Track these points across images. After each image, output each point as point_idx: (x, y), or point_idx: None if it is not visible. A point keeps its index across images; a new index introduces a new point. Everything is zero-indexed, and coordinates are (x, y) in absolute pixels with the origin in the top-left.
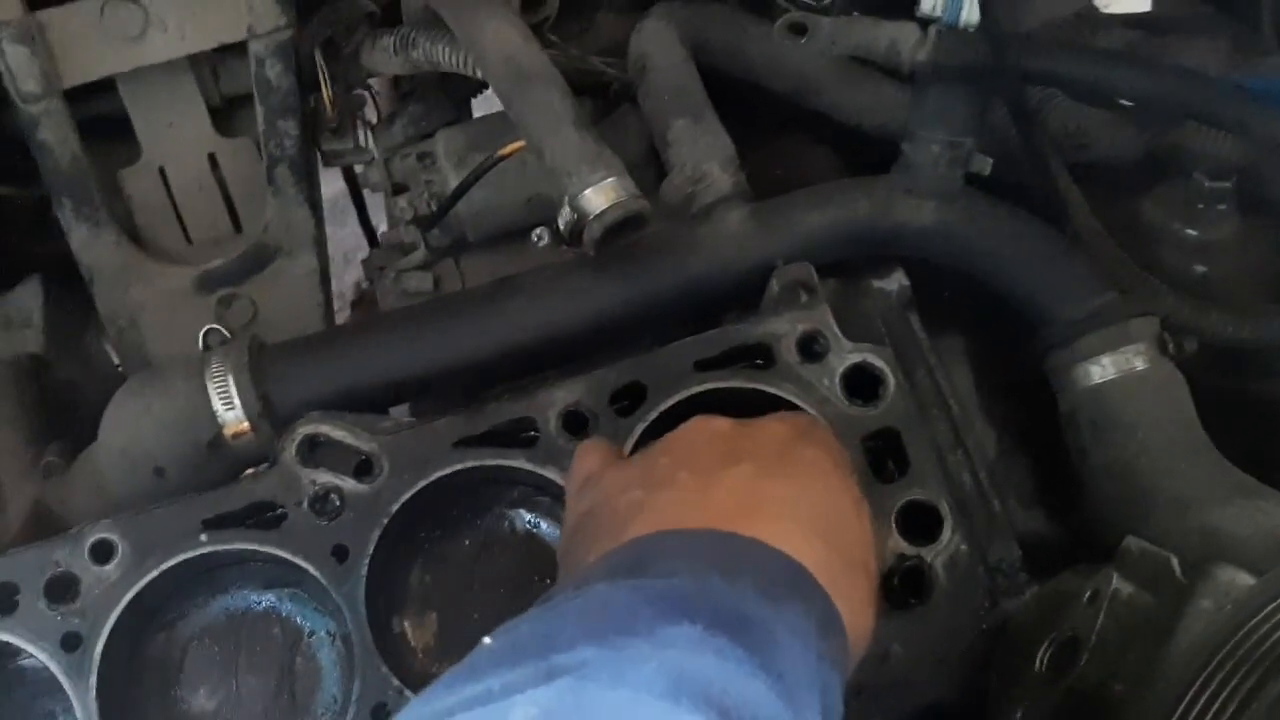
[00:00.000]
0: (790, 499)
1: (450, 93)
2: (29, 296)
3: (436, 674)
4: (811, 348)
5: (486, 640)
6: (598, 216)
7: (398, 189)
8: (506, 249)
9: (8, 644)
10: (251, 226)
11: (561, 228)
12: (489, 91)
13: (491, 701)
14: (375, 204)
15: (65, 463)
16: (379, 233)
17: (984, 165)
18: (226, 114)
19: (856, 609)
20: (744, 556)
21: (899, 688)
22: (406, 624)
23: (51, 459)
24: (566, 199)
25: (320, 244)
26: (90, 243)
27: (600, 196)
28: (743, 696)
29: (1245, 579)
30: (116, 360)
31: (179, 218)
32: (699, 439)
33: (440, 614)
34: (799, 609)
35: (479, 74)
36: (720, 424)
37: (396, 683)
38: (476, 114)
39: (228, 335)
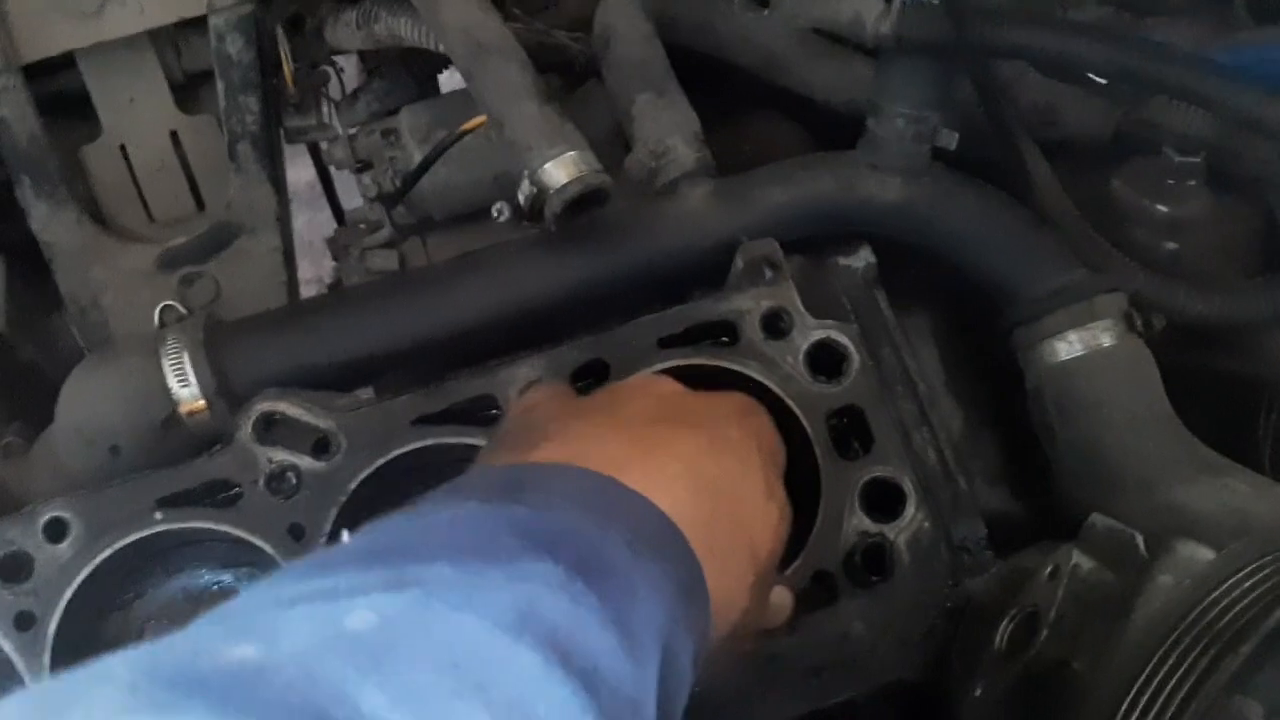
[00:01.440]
0: (693, 460)
1: (414, 69)
2: None
3: None
4: (776, 325)
5: (347, 536)
6: (557, 191)
7: (362, 166)
8: (472, 227)
9: None
10: (214, 205)
11: (521, 202)
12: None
13: (336, 599)
14: (351, 188)
15: (26, 444)
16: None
17: (950, 140)
18: (188, 90)
19: (731, 585)
20: (623, 506)
21: (860, 667)
22: None
23: (11, 439)
24: (526, 173)
25: (284, 222)
26: (50, 222)
27: (560, 170)
28: (587, 645)
29: (1205, 554)
30: (80, 342)
31: (140, 196)
32: (637, 392)
33: None
34: (663, 569)
35: (440, 48)
36: (665, 385)
37: None
38: (444, 91)
39: (184, 312)
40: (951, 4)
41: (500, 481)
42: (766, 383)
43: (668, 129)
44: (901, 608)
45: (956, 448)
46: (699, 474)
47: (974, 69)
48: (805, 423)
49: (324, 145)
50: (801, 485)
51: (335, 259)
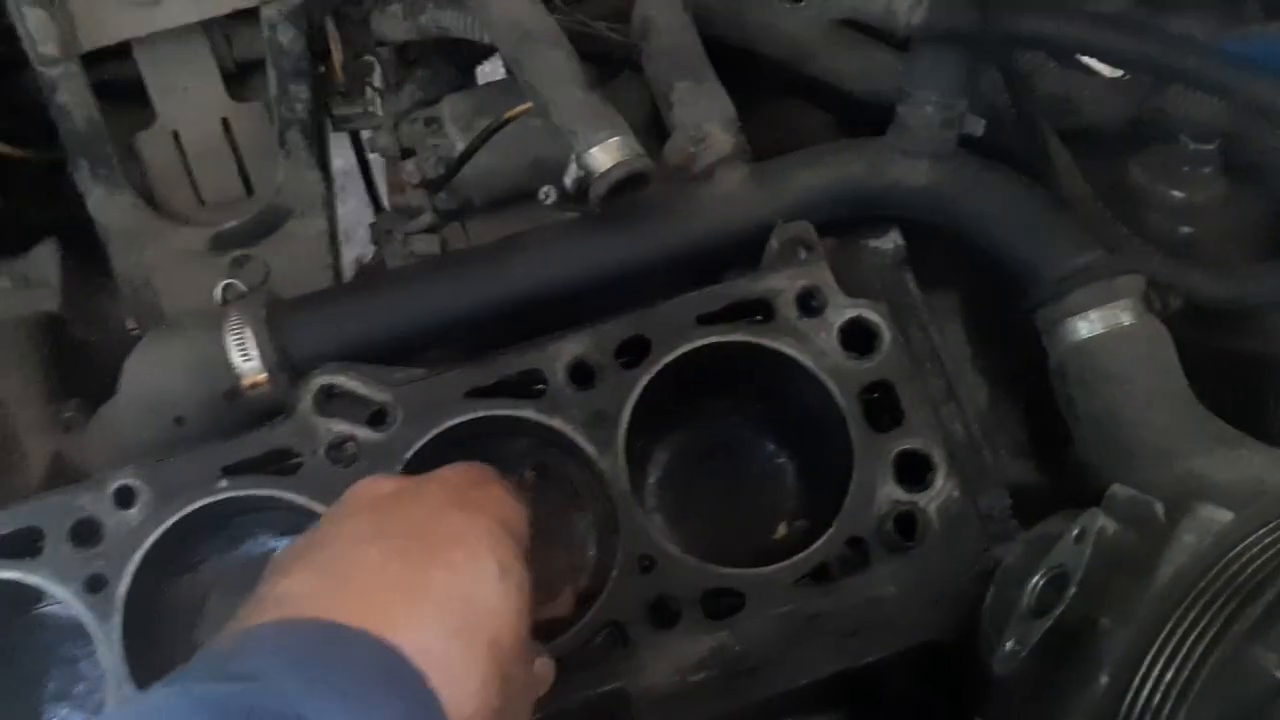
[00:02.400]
0: (414, 583)
1: (455, 60)
2: (46, 257)
3: None
4: (810, 303)
5: None
6: (603, 174)
7: (405, 153)
8: (511, 212)
9: (31, 589)
10: (262, 189)
11: (568, 185)
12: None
13: None
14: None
15: (84, 418)
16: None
17: (977, 126)
18: (239, 79)
19: (474, 690)
20: (341, 653)
21: (894, 628)
22: None
23: (70, 414)
24: (573, 157)
25: (330, 206)
26: (106, 204)
27: (605, 155)
28: None
29: (1224, 515)
30: (130, 323)
31: (192, 180)
32: (349, 511)
33: None
34: (394, 709)
35: (486, 38)
36: (379, 489)
37: None
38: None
39: (245, 290)
40: None
41: (210, 655)
42: (800, 358)
43: (706, 115)
44: (932, 572)
45: (982, 422)
46: (425, 595)
47: (1000, 58)
48: (838, 397)
49: (366, 134)
50: (831, 454)
51: (377, 244)
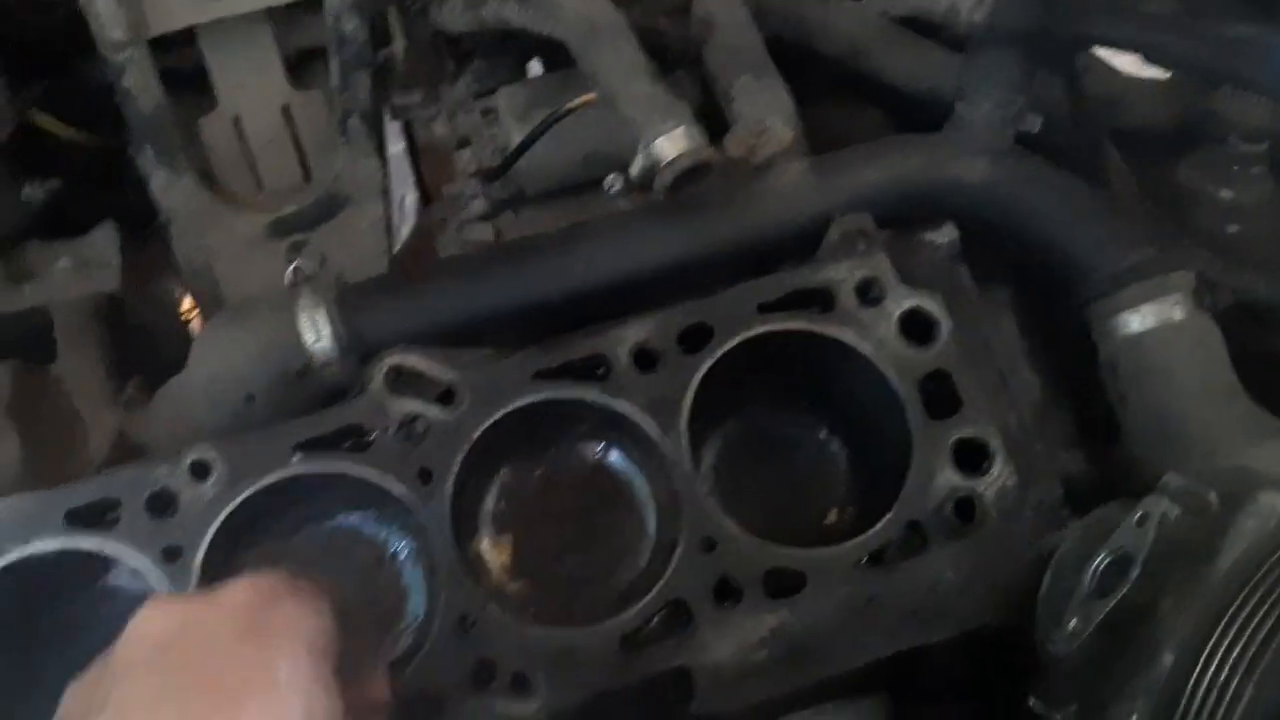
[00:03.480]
0: None
1: (509, 53)
2: (106, 239)
3: (513, 592)
4: (869, 293)
5: None
6: (669, 163)
7: (461, 143)
8: (563, 203)
9: (102, 559)
10: (320, 176)
11: (634, 174)
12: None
13: None
14: None
15: (145, 396)
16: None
17: (1034, 124)
18: (300, 67)
19: None
20: None
21: (950, 611)
22: (484, 545)
23: (132, 392)
24: (641, 146)
25: (386, 194)
26: (169, 187)
27: (672, 144)
28: None
29: None
30: (184, 307)
31: (252, 166)
32: (134, 657)
33: (514, 537)
34: None
35: (549, 31)
36: (156, 628)
37: (479, 595)
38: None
39: (314, 271)
40: None
41: None
42: (860, 347)
43: (766, 109)
44: (989, 557)
45: (1034, 413)
46: None
47: (1059, 57)
48: (897, 386)
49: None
50: (885, 442)
51: (430, 232)
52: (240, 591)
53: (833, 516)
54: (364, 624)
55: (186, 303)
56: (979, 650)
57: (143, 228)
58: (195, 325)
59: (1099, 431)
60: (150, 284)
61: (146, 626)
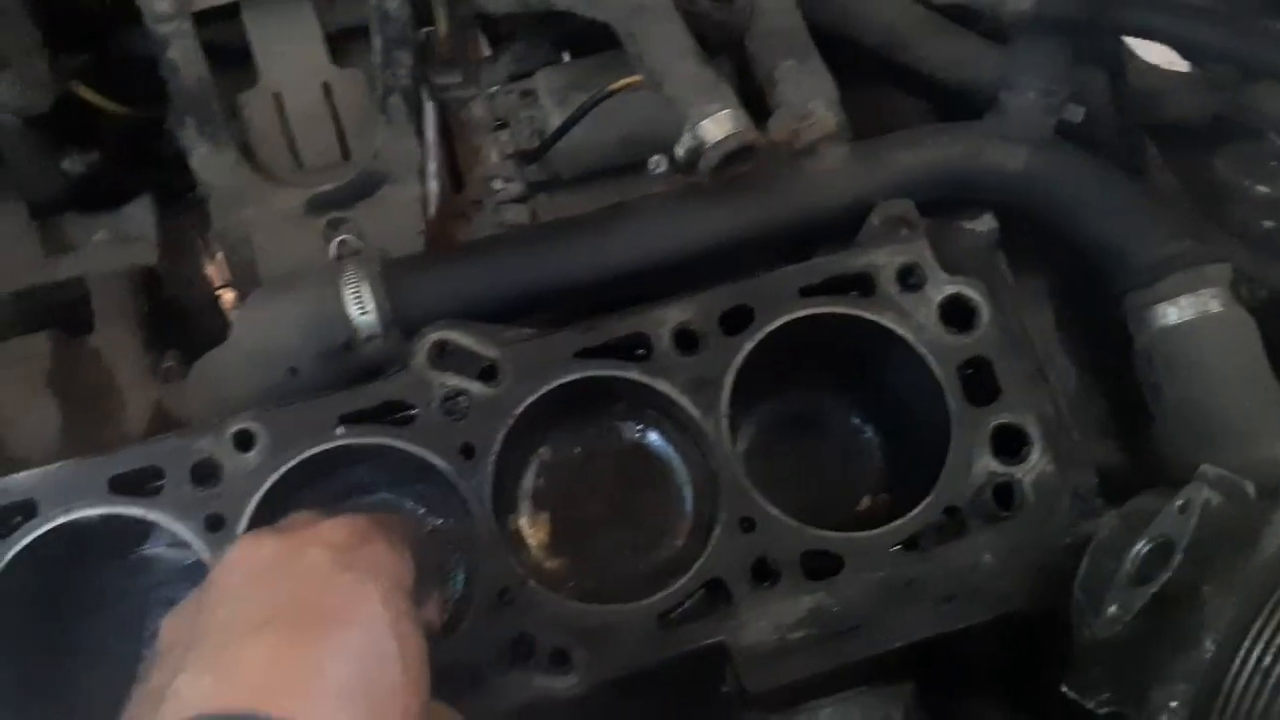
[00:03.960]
0: (315, 669)
1: (548, 36)
2: (142, 213)
3: (551, 568)
4: (910, 279)
5: None
6: (715, 145)
7: (499, 124)
8: (599, 186)
9: (141, 527)
10: (359, 154)
11: (679, 155)
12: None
13: None
14: None
15: (182, 368)
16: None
17: (1076, 114)
18: (341, 45)
19: None
20: None
21: (988, 595)
22: (522, 521)
23: (170, 364)
24: (687, 127)
25: (423, 173)
26: (209, 161)
27: (718, 126)
28: None
29: None
30: (217, 281)
31: (291, 142)
32: (235, 583)
33: (552, 515)
34: None
35: (594, 13)
36: (256, 557)
37: (519, 570)
38: None
39: (360, 247)
40: None
41: None
42: (901, 331)
43: (810, 93)
44: (1027, 543)
45: (1070, 402)
46: (324, 686)
47: (1104, 47)
48: (937, 371)
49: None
50: (922, 429)
51: (463, 214)
52: (338, 528)
53: (866, 502)
54: (425, 555)
55: (216, 277)
56: (1011, 637)
57: (175, 202)
58: (226, 300)
59: (1131, 422)
60: (181, 260)
61: (246, 554)
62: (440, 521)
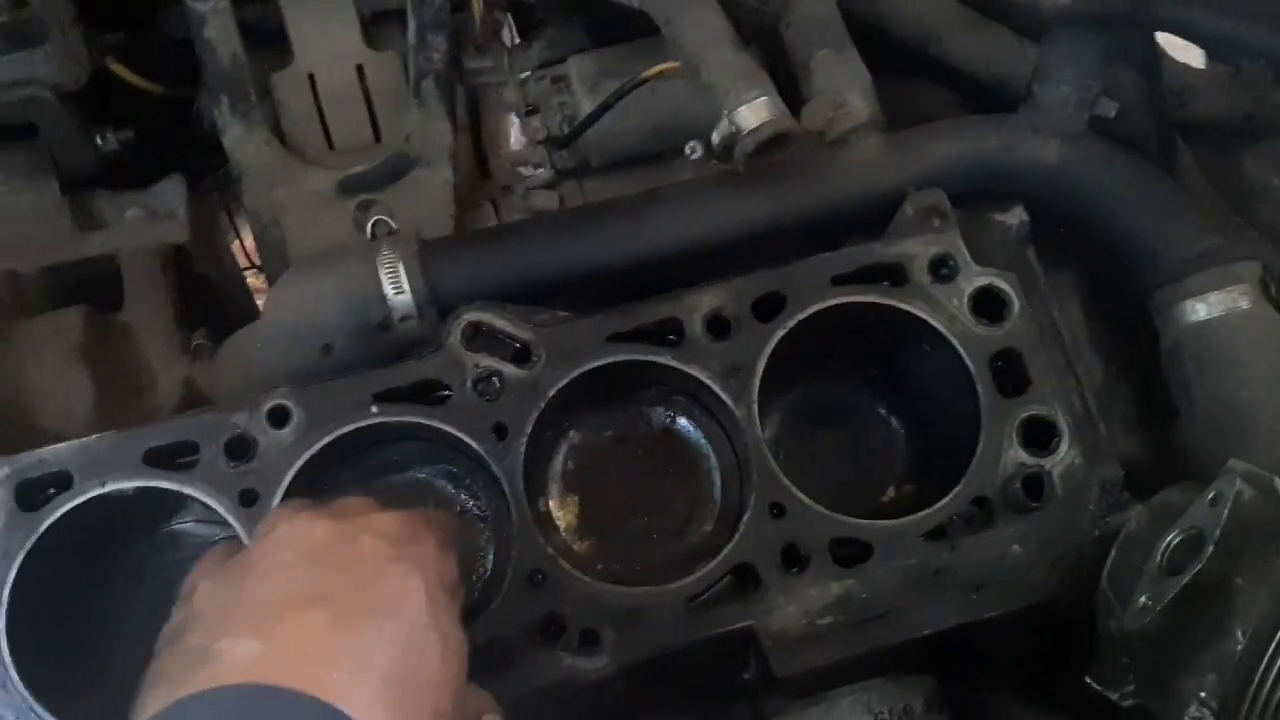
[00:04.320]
0: (361, 651)
1: (580, 23)
2: (172, 191)
3: (579, 551)
4: (942, 269)
5: None
6: (752, 132)
7: (530, 110)
8: (627, 173)
9: (173, 501)
10: (390, 137)
11: (715, 142)
12: None
13: None
14: None
15: (212, 346)
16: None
17: (1110, 109)
18: (375, 28)
19: None
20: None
21: (1016, 585)
22: (552, 504)
23: (200, 342)
24: (724, 113)
25: (455, 157)
26: (243, 140)
27: (754, 113)
28: None
29: None
30: (244, 262)
31: (324, 124)
32: (286, 558)
33: (581, 497)
34: None
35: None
36: (311, 535)
37: (550, 551)
38: None
39: (395, 227)
40: None
41: None
42: (933, 321)
43: (845, 83)
44: (1055, 534)
45: (1097, 396)
46: (371, 658)
47: (1138, 45)
48: (969, 362)
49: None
50: (949, 420)
51: (491, 199)
52: (392, 520)
53: (891, 493)
54: (471, 554)
55: (242, 257)
56: (1033, 629)
57: (202, 181)
58: (252, 279)
59: (1156, 417)
60: (210, 239)
61: (299, 531)
62: (471, 502)
